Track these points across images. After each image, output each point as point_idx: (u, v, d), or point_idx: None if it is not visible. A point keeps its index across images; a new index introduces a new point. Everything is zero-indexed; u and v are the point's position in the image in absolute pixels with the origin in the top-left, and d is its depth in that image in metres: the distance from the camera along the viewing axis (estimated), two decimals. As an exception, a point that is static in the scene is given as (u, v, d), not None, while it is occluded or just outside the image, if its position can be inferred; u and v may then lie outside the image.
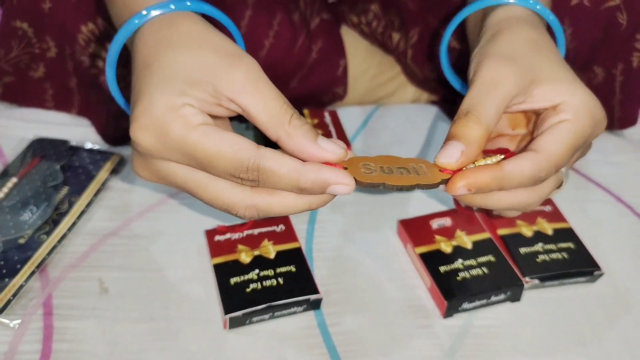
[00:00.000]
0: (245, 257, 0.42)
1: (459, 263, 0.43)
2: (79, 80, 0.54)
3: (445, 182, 0.33)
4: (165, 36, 0.33)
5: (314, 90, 0.60)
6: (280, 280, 0.41)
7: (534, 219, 0.47)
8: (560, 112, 0.35)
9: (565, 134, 0.34)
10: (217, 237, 0.44)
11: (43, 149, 0.51)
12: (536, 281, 0.43)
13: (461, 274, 0.42)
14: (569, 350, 0.40)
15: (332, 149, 0.31)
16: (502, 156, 0.34)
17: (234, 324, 0.39)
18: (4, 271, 0.41)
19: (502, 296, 0.42)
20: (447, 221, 0.47)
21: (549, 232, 0.46)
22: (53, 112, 0.56)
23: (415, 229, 0.46)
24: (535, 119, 0.38)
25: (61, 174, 0.48)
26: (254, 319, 0.40)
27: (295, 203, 0.32)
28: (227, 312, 0.39)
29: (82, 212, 0.46)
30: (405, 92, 0.64)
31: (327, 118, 0.56)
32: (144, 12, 0.34)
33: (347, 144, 0.53)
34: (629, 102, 0.58)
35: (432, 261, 0.43)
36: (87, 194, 0.48)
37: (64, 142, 0.52)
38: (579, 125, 0.35)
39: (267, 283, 0.40)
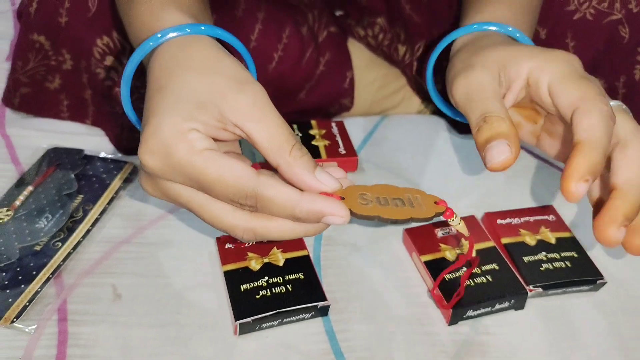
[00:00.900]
0: (255, 265, 0.43)
1: (463, 271, 0.44)
2: (93, 92, 0.55)
3: (440, 214, 0.34)
4: (179, 59, 0.34)
5: (321, 102, 0.61)
6: (289, 287, 0.42)
7: (537, 229, 0.48)
8: (539, 85, 0.37)
9: (592, 116, 0.34)
10: (228, 245, 0.45)
11: (58, 158, 0.52)
12: (540, 289, 0.43)
13: (466, 282, 0.43)
14: (572, 358, 0.40)
15: (327, 181, 0.32)
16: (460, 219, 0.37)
17: (244, 330, 0.40)
18: (20, 277, 0.42)
19: (506, 304, 0.43)
20: (451, 230, 0.47)
21: (552, 241, 0.47)
22: (68, 123, 0.57)
23: (420, 238, 0.46)
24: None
25: (76, 183, 0.50)
26: (264, 325, 0.40)
27: (293, 229, 0.33)
28: (237, 318, 0.39)
29: (96, 220, 0.47)
30: (411, 104, 0.65)
31: (335, 129, 0.57)
32: (159, 35, 0.35)
33: (354, 154, 0.54)
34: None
35: (437, 269, 0.44)
36: (101, 202, 0.49)
37: (78, 152, 0.53)
38: (561, 72, 0.37)
39: (276, 290, 0.41)
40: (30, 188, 0.49)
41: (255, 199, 0.31)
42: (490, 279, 0.43)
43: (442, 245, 0.46)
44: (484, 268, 0.44)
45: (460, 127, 0.61)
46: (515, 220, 0.48)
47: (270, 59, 0.56)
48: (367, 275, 0.46)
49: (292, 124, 0.56)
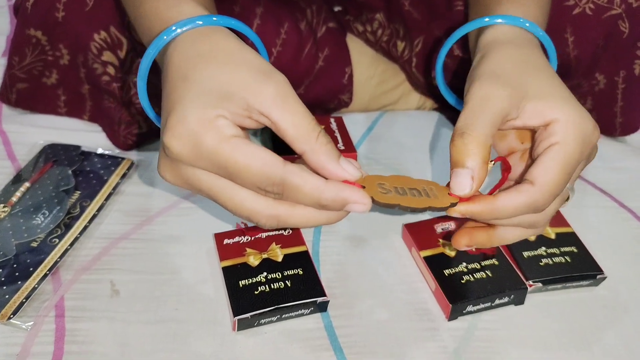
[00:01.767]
0: (253, 260, 0.43)
1: (463, 266, 0.44)
2: (90, 87, 0.55)
3: (454, 204, 0.35)
4: (200, 50, 0.34)
5: (320, 97, 0.60)
6: (288, 283, 0.41)
7: (537, 224, 0.48)
8: (551, 135, 0.36)
9: (556, 160, 0.35)
10: (226, 241, 0.45)
11: (55, 154, 0.52)
12: (539, 284, 0.43)
13: (465, 277, 0.43)
14: (572, 353, 0.40)
15: (351, 170, 0.33)
16: (493, 163, 0.36)
17: (243, 325, 0.40)
18: (17, 274, 0.42)
19: (506, 299, 0.43)
20: (451, 225, 0.47)
21: (552, 236, 0.47)
22: (65, 118, 0.57)
23: (419, 233, 0.46)
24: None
25: (73, 179, 0.49)
26: (262, 320, 0.40)
27: (312, 216, 0.33)
28: (236, 314, 0.39)
29: (94, 216, 0.47)
30: (410, 99, 0.65)
31: (333, 124, 0.57)
32: (173, 28, 0.35)
33: (353, 149, 0.54)
34: (630, 109, 0.59)
35: (436, 264, 0.44)
36: (99, 198, 0.49)
37: (75, 148, 0.53)
38: (568, 147, 0.36)
39: (275, 286, 0.41)
40: (27, 184, 0.48)
41: (282, 187, 0.32)
42: (490, 274, 0.43)
43: (442, 241, 0.46)
44: (483, 263, 0.44)
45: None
46: (515, 216, 0.48)
47: (269, 55, 0.55)
48: (366, 270, 0.45)
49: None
